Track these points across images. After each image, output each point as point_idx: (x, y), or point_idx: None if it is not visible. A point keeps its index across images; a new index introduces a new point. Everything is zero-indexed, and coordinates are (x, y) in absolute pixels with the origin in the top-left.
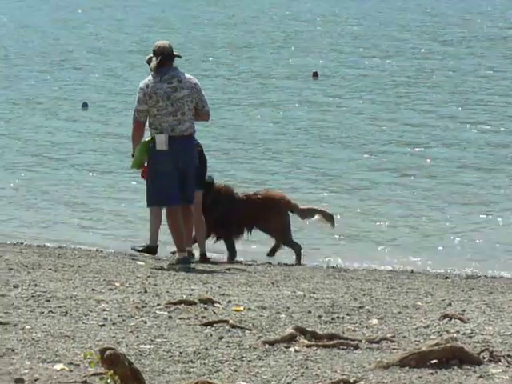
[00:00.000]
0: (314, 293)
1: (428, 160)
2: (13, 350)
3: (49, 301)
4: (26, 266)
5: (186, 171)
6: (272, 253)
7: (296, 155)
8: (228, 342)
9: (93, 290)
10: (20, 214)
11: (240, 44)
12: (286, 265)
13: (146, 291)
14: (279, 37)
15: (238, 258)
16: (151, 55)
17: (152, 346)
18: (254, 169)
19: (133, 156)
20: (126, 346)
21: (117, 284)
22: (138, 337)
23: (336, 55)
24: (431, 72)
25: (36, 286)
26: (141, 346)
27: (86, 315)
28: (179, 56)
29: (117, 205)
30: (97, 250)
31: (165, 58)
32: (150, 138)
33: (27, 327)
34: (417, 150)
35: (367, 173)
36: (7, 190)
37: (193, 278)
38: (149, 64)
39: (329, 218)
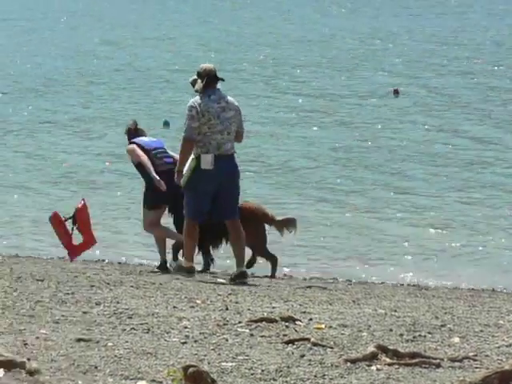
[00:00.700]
0: (395, 311)
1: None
2: (96, 367)
3: (131, 318)
4: (108, 284)
5: (228, 188)
6: (250, 264)
7: (374, 171)
8: (310, 359)
9: (174, 307)
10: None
11: (315, 61)
12: (366, 283)
13: (227, 308)
14: (356, 54)
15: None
16: (195, 77)
17: (234, 364)
18: (325, 185)
19: (180, 171)
20: (208, 363)
21: (198, 301)
22: (219, 354)
23: (411, 73)
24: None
25: (118, 303)
26: (223, 364)
27: (167, 332)
28: (222, 79)
29: None
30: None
31: (210, 80)
32: (194, 156)
33: (110, 344)
34: (498, 170)
35: (441, 191)
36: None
37: (273, 295)
38: (193, 85)
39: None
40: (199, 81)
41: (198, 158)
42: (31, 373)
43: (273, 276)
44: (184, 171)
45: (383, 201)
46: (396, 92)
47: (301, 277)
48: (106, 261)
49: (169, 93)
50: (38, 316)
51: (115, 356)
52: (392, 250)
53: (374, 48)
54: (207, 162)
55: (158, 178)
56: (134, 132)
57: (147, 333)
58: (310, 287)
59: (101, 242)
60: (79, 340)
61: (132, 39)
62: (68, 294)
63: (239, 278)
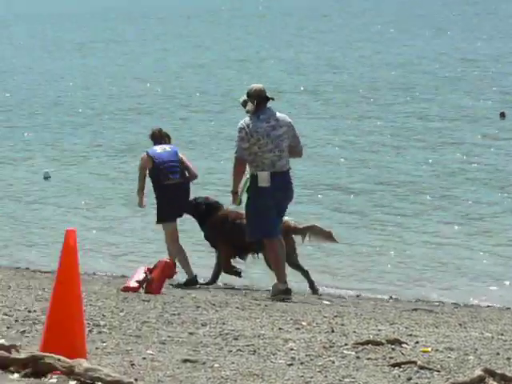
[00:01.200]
0: (502, 334)
1: None
2: None
3: (237, 339)
4: (214, 305)
5: (282, 205)
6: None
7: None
8: (416, 383)
9: (280, 328)
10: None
11: (402, 84)
12: (472, 306)
13: (333, 331)
14: (446, 77)
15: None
16: (245, 98)
17: None
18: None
19: (235, 193)
20: None
21: (304, 323)
22: (326, 376)
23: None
24: None
25: (224, 324)
26: None
27: (273, 354)
28: (272, 98)
29: None
30: None
31: (261, 101)
32: (249, 175)
33: (216, 365)
34: None
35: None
36: None
37: (379, 318)
38: (243, 106)
39: (327, 235)
40: (250, 102)
41: (253, 177)
42: None
43: (313, 289)
44: (239, 192)
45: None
46: (503, 115)
47: (406, 299)
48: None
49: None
50: (145, 336)
51: (221, 377)
52: (499, 273)
53: (475, 70)
54: (264, 179)
55: (142, 199)
56: (157, 136)
57: (253, 354)
58: (415, 310)
59: (206, 263)
60: (185, 361)
61: (217, 61)
62: (174, 314)
63: (282, 294)
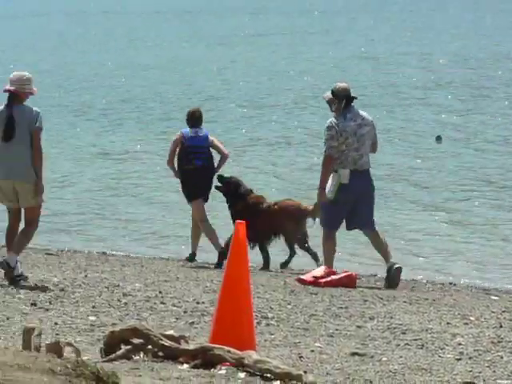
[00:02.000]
0: None
1: None
2: (370, 382)
3: (404, 333)
4: (381, 298)
5: (364, 200)
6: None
7: None
8: None
9: (448, 323)
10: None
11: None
12: None
13: (501, 326)
14: None
15: None
16: (329, 95)
17: (509, 381)
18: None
19: (322, 189)
20: (483, 380)
21: (471, 318)
22: (494, 371)
23: None
24: None
25: (391, 318)
26: (498, 381)
27: (441, 348)
28: (356, 97)
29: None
30: (450, 284)
31: (347, 100)
32: (335, 172)
33: (384, 359)
34: None
35: None
36: None
37: None
38: (329, 104)
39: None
40: (336, 101)
41: (336, 173)
42: None
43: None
44: (327, 188)
45: None
46: None
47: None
48: (379, 275)
49: (424, 111)
50: (313, 329)
51: (389, 371)
52: None
53: None
54: (345, 176)
55: (175, 171)
56: (197, 117)
57: (421, 348)
58: None
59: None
60: (354, 354)
61: (385, 55)
62: (341, 308)
63: (394, 270)
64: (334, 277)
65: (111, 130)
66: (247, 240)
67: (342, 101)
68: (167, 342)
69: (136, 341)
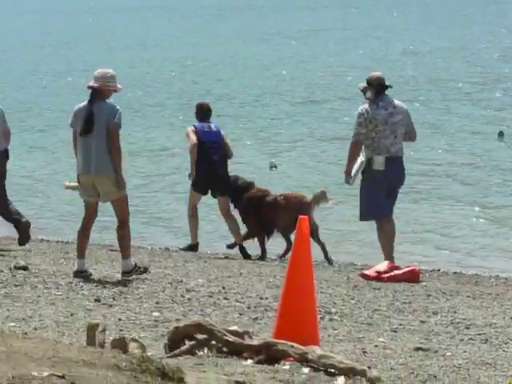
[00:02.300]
0: None
1: None
2: (435, 377)
3: (468, 328)
4: (444, 293)
5: (395, 187)
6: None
7: None
8: None
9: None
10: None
11: None
12: None
13: None
14: None
15: None
16: (365, 84)
17: None
18: None
19: (348, 173)
20: None
21: None
22: None
23: None
24: None
25: (455, 312)
26: None
27: (505, 343)
28: (390, 86)
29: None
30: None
31: (381, 88)
32: (365, 159)
33: (448, 354)
34: None
35: None
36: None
37: None
38: (363, 93)
39: (324, 196)
40: (370, 89)
41: (369, 160)
42: (372, 381)
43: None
44: (352, 173)
45: None
46: None
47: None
48: (442, 270)
49: (467, 106)
50: (376, 324)
51: (454, 366)
52: None
53: None
54: (379, 163)
55: (196, 169)
56: (206, 110)
57: (485, 343)
58: None
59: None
60: (417, 349)
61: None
62: (405, 302)
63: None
64: (397, 272)
65: (163, 126)
66: (257, 232)
67: (375, 89)
68: (231, 338)
69: (200, 336)
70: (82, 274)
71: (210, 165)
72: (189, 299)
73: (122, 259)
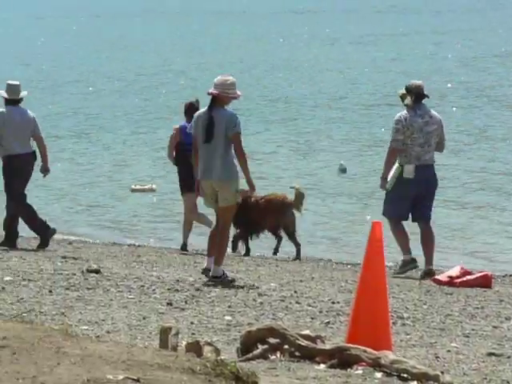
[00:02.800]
0: None
1: None
2: (508, 382)
3: None
4: None
5: (426, 194)
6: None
7: None
8: None
9: None
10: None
11: None
12: None
13: None
14: None
15: None
16: (403, 91)
17: None
18: None
19: (384, 178)
20: None
21: None
22: None
23: None
24: None
25: None
26: None
27: None
28: (427, 96)
29: None
30: None
31: (419, 97)
32: (398, 164)
33: None
34: None
35: None
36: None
37: None
38: (402, 99)
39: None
40: (408, 96)
41: (401, 167)
42: None
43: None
44: (388, 178)
45: None
46: None
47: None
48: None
49: None
50: (449, 329)
51: None
52: None
53: None
54: (409, 171)
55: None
56: (189, 109)
57: None
58: None
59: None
60: (490, 354)
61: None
62: (477, 308)
63: (427, 276)
64: (469, 277)
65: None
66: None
67: (413, 96)
68: (304, 342)
69: (272, 340)
70: (221, 279)
71: (187, 166)
72: (261, 303)
73: (214, 264)
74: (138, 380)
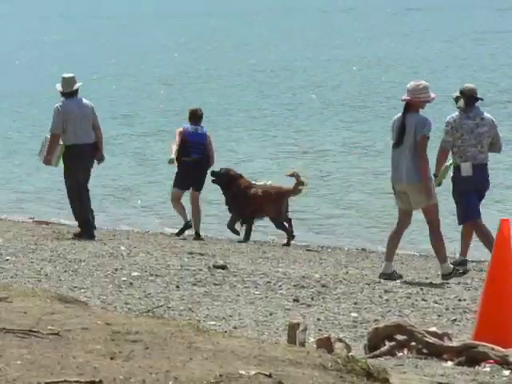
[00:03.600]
0: None
1: None
2: None
3: None
4: None
5: (481, 192)
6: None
7: None
8: None
9: None
10: None
11: None
12: None
13: None
14: None
15: None
16: (458, 94)
17: None
18: None
19: (435, 176)
20: None
21: None
22: None
23: None
24: None
25: None
26: None
27: None
28: (481, 99)
29: None
30: None
31: (471, 99)
32: (450, 162)
33: None
34: None
35: None
36: None
37: None
38: (455, 102)
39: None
40: (462, 99)
41: (458, 167)
42: None
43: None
44: (439, 175)
45: None
46: None
47: None
48: None
49: None
50: None
51: None
52: None
53: None
54: (467, 169)
55: (177, 163)
56: (197, 116)
57: None
58: None
59: None
60: None
61: None
62: None
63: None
64: None
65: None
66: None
67: (466, 99)
68: (431, 339)
69: (400, 337)
70: (386, 277)
71: (189, 163)
72: (387, 300)
73: (440, 263)
74: (269, 375)
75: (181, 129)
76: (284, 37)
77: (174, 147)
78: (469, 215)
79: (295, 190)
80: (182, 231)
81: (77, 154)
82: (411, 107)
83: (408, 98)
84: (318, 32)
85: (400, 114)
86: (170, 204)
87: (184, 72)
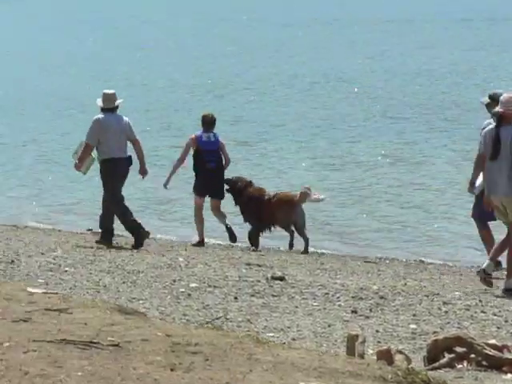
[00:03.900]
0: None
1: None
2: None
3: None
4: None
5: None
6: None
7: None
8: None
9: None
10: None
11: None
12: None
13: None
14: None
15: None
16: (489, 100)
17: None
18: None
19: (473, 184)
20: None
21: None
22: None
23: None
24: None
25: None
26: None
27: None
28: None
29: None
30: None
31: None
32: None
33: None
34: None
35: None
36: None
37: None
38: (486, 107)
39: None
40: (493, 105)
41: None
42: None
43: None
44: (476, 184)
45: None
46: None
47: None
48: None
49: None
50: None
51: None
52: None
53: None
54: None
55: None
56: (209, 122)
57: None
58: None
59: None
60: None
61: None
62: None
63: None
64: None
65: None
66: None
67: (497, 105)
68: (491, 351)
69: (459, 349)
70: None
71: (206, 172)
72: (446, 312)
73: (508, 277)
74: None
75: (193, 136)
76: (342, 48)
77: (174, 168)
78: (479, 216)
79: (301, 199)
80: (231, 235)
81: (113, 167)
82: (504, 119)
83: (501, 110)
84: (374, 43)
85: (492, 127)
86: (211, 213)
87: (235, 81)
